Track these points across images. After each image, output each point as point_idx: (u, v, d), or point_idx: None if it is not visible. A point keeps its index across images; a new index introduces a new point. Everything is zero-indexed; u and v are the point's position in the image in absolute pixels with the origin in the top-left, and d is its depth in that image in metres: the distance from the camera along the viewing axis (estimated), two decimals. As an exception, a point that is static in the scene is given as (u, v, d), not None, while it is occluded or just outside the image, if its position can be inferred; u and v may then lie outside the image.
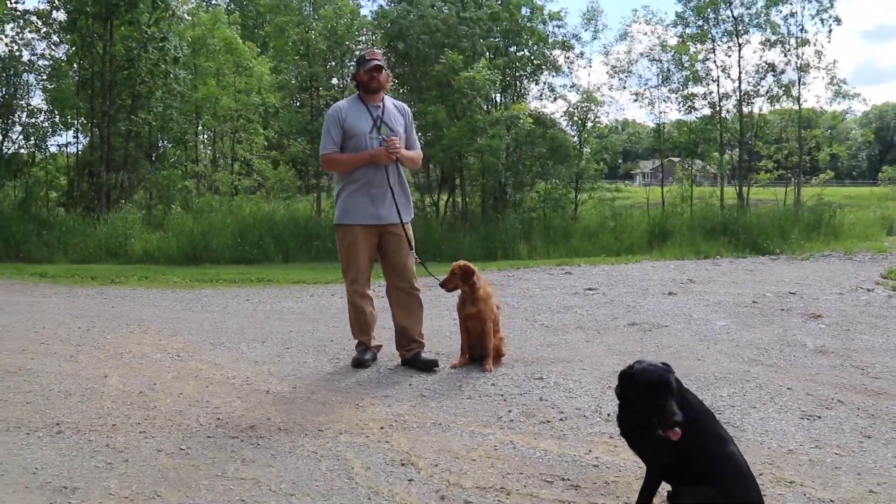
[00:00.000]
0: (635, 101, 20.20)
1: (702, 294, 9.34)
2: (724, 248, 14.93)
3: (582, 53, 19.51)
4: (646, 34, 19.84)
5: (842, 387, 5.23)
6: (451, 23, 17.21)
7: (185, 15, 19.73)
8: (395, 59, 18.36)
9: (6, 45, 17.96)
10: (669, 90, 19.64)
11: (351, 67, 22.10)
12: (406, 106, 6.18)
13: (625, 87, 20.02)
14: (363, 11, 22.21)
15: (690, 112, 19.61)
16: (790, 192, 19.12)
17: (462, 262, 5.82)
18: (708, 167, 21.79)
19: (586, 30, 19.49)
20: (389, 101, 5.99)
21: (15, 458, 3.92)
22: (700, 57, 19.28)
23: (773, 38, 18.49)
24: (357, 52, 19.67)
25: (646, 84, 19.87)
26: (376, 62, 5.83)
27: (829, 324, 7.42)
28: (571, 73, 19.86)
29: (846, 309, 8.20)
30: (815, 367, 5.82)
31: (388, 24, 18.30)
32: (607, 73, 19.76)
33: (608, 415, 4.58)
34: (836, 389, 5.15)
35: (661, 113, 20.15)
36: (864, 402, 4.87)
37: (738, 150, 19.48)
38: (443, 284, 5.80)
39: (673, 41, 19.63)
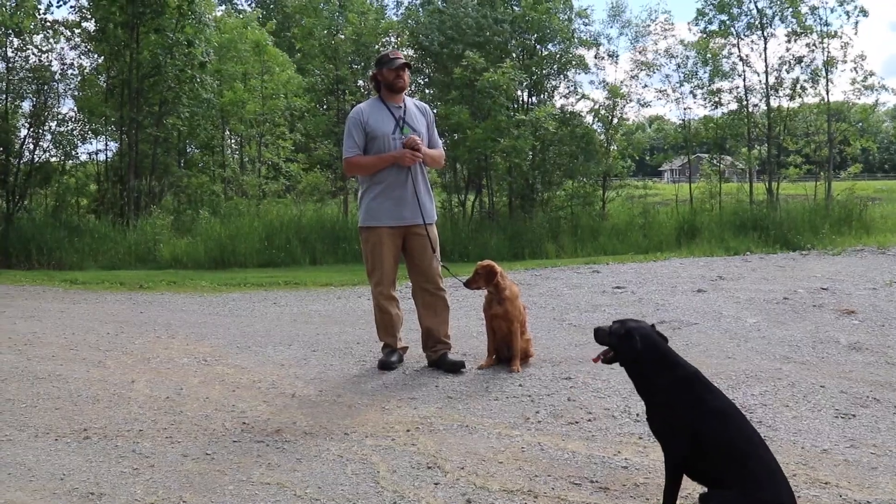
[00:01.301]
0: (660, 98, 20.02)
1: (732, 291, 9.21)
2: (754, 244, 14.74)
3: (611, 53, 19.38)
4: (663, 35, 19.71)
5: (877, 384, 5.12)
6: (483, 23, 17.18)
7: (211, 22, 19.87)
8: (419, 58, 18.38)
9: (34, 55, 18.21)
10: (696, 86, 19.42)
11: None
12: (427, 106, 6.15)
13: (645, 87, 19.83)
14: (389, 14, 22.16)
15: (717, 108, 19.41)
16: (820, 187, 18.84)
17: (486, 262, 5.78)
18: (736, 163, 21.54)
19: (612, 26, 19.34)
20: (410, 102, 5.96)
21: (43, 464, 3.94)
22: (724, 52, 19.06)
23: (800, 30, 18.22)
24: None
25: (667, 80, 19.69)
26: (402, 60, 5.80)
27: (863, 319, 7.28)
28: (598, 70, 19.70)
29: (880, 304, 8.04)
30: (848, 364, 5.70)
31: (414, 23, 18.30)
32: (631, 71, 19.57)
33: (637, 415, 4.51)
34: (871, 387, 5.05)
35: (686, 109, 19.95)
36: (900, 399, 4.77)
37: (766, 145, 19.23)
38: (467, 284, 5.77)
39: (694, 38, 19.44)
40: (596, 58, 19.25)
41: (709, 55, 18.90)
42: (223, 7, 25.21)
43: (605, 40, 19.28)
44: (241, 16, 25.81)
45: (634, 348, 3.20)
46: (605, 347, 3.35)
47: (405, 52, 18.39)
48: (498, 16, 17.42)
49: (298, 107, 21.14)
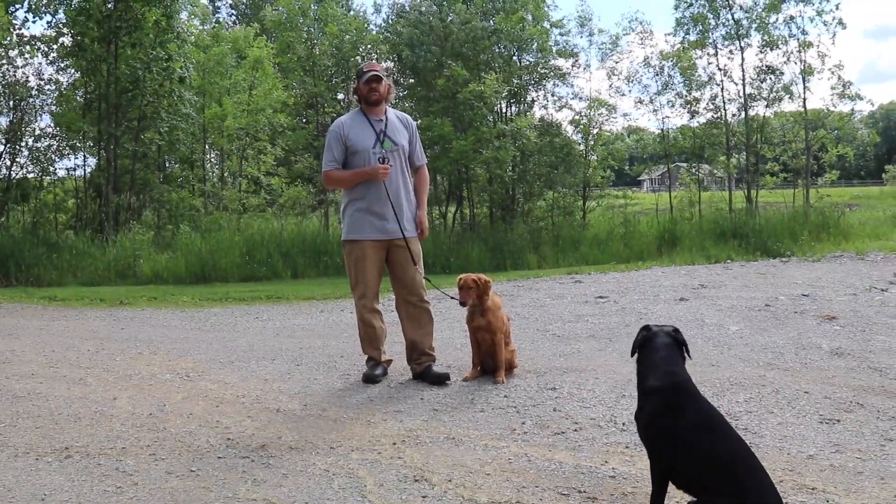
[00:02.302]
0: (637, 108, 20.15)
1: (714, 299, 9.26)
2: (735, 251, 14.84)
3: (588, 65, 19.48)
4: (640, 45, 19.86)
5: (860, 389, 5.15)
6: (470, 35, 17.23)
7: (190, 38, 19.81)
8: (399, 70, 18.43)
9: (6, 69, 18.00)
10: (674, 95, 19.55)
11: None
12: (409, 118, 6.14)
13: (623, 95, 19.97)
14: (370, 26, 22.11)
15: (694, 117, 19.57)
16: (798, 195, 19.01)
17: (477, 276, 5.72)
18: (714, 171, 21.70)
19: (581, 35, 19.42)
20: (392, 114, 5.95)
21: (23, 484, 3.88)
22: (702, 62, 19.26)
23: (772, 41, 18.43)
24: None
25: (645, 90, 19.81)
26: (373, 73, 5.78)
27: (844, 325, 7.34)
28: (574, 81, 19.75)
29: (861, 309, 8.11)
30: (831, 369, 5.74)
31: (399, 29, 18.37)
32: (608, 81, 19.70)
33: (623, 424, 4.52)
34: (854, 392, 5.08)
35: (664, 118, 20.08)
36: (883, 404, 4.80)
37: (744, 153, 19.39)
38: (463, 303, 5.70)
39: (672, 49, 19.57)
40: (573, 66, 19.36)
41: (682, 63, 19.03)
42: (209, 26, 25.03)
43: (581, 51, 19.37)
44: (229, 29, 25.77)
45: (635, 343, 3.31)
46: None
47: (386, 65, 18.43)
48: (482, 26, 17.50)
49: (280, 122, 21.05)
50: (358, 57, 20.58)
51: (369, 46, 20.81)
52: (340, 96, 21.61)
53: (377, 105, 5.82)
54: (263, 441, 4.45)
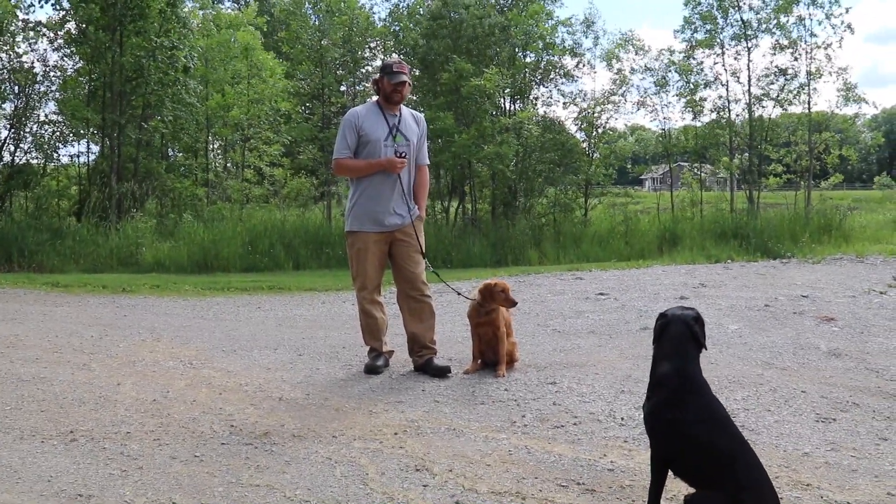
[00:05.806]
0: (639, 109, 20.09)
1: (714, 298, 9.30)
2: (735, 252, 14.87)
3: (590, 63, 19.42)
4: (642, 50, 19.80)
5: (856, 389, 5.20)
6: (480, 32, 17.26)
7: (194, 27, 19.78)
8: (408, 62, 18.49)
9: (8, 55, 18.01)
10: (677, 95, 19.58)
11: (361, 74, 22.14)
12: (422, 116, 6.20)
13: (624, 95, 19.89)
14: (374, 17, 22.06)
15: (696, 117, 19.58)
16: (800, 196, 19.04)
17: (501, 282, 5.80)
18: (717, 171, 21.71)
19: (587, 36, 19.38)
20: (406, 110, 6.00)
21: (30, 466, 3.94)
22: (709, 62, 19.29)
23: (785, 42, 18.45)
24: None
25: (645, 92, 19.79)
26: (404, 78, 5.82)
27: (843, 326, 7.38)
28: (578, 79, 19.70)
29: (859, 311, 8.15)
30: (828, 369, 5.79)
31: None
32: (611, 79, 19.68)
33: (622, 419, 4.57)
34: (850, 392, 5.13)
35: (665, 119, 20.09)
36: (879, 404, 4.85)
37: (747, 154, 19.42)
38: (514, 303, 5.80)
39: (680, 45, 19.61)
40: (578, 66, 19.36)
41: (682, 64, 19.06)
42: (209, 10, 24.97)
43: (582, 50, 19.31)
44: (235, 11, 25.70)
45: (655, 331, 3.29)
46: None
47: (395, 56, 18.48)
48: (492, 22, 17.53)
49: (284, 111, 21.01)
50: (367, 49, 20.58)
51: (376, 40, 20.83)
52: (343, 88, 21.62)
53: (397, 104, 5.88)
54: (266, 428, 4.51)
